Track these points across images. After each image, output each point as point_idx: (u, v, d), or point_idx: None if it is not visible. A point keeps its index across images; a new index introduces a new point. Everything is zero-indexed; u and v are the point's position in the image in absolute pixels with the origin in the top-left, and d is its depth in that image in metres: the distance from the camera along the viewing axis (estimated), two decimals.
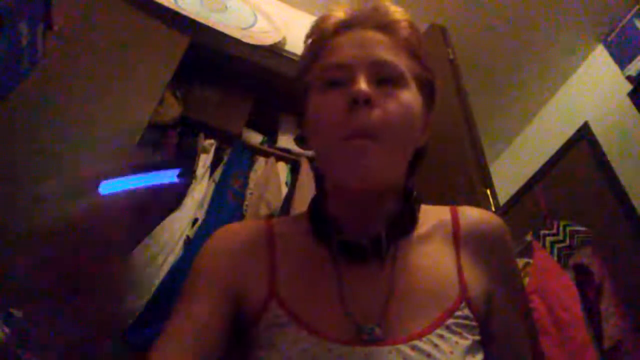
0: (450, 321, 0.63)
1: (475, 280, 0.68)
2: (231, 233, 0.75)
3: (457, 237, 0.72)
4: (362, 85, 0.65)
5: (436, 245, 0.71)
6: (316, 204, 0.75)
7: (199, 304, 0.66)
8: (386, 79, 0.68)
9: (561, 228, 2.12)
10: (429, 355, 0.59)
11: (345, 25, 0.72)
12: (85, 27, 1.70)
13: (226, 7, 2.15)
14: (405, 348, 0.60)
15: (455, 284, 0.67)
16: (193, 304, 0.66)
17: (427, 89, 0.73)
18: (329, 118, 0.66)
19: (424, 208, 0.75)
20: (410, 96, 0.68)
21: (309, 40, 0.76)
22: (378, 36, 0.70)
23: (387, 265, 0.67)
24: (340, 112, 0.65)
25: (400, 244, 0.69)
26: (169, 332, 0.64)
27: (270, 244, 0.72)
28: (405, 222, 0.71)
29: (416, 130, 0.70)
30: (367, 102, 0.64)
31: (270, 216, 2.00)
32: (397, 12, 0.74)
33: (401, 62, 0.69)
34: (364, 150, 0.64)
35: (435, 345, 0.60)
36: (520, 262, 2.08)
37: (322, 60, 0.71)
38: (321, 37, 0.73)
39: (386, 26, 0.71)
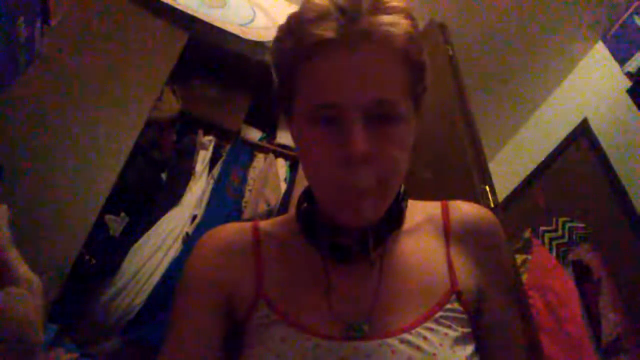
0: (439, 314, 0.63)
1: (466, 274, 0.68)
2: (216, 237, 0.75)
3: (447, 231, 0.71)
4: (358, 139, 0.57)
5: (426, 239, 0.71)
6: (305, 204, 0.74)
7: (195, 310, 0.67)
8: (383, 115, 0.60)
9: (560, 224, 2.12)
10: (418, 347, 0.60)
11: (333, 44, 0.58)
12: (83, 23, 1.69)
13: (225, 3, 2.15)
14: (394, 341, 0.60)
15: (445, 277, 0.67)
16: (189, 311, 0.67)
17: (420, 100, 0.66)
18: (322, 165, 0.61)
19: (414, 203, 0.74)
20: (407, 131, 0.62)
21: (290, 38, 0.65)
22: (372, 56, 0.59)
23: (375, 262, 0.68)
24: (335, 165, 0.60)
25: (389, 240, 0.69)
26: (171, 345, 0.65)
27: (256, 245, 0.72)
28: (394, 219, 0.70)
29: (409, 156, 0.65)
30: (364, 160, 0.59)
31: (269, 212, 2.00)
32: (397, 6, 0.61)
33: (398, 87, 0.61)
34: (361, 202, 0.61)
35: (425, 338, 0.61)
36: (519, 258, 2.08)
37: (308, 85, 0.62)
38: (305, 41, 0.61)
39: (381, 36, 0.59)
